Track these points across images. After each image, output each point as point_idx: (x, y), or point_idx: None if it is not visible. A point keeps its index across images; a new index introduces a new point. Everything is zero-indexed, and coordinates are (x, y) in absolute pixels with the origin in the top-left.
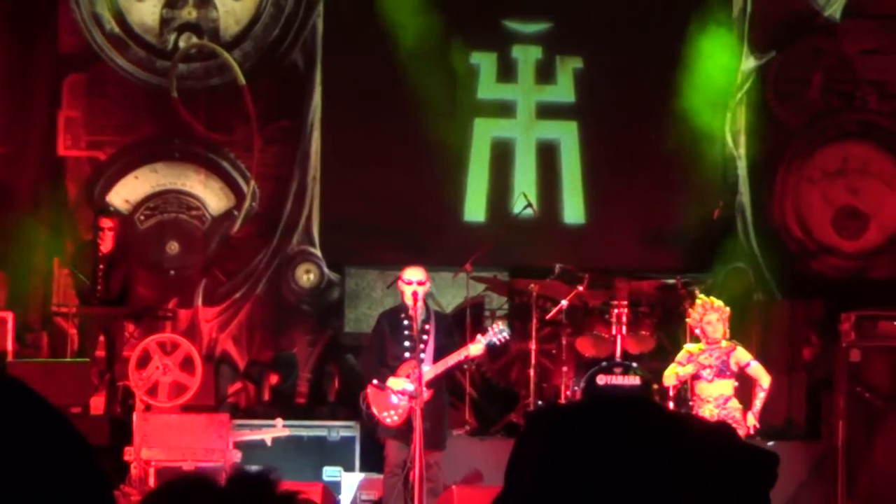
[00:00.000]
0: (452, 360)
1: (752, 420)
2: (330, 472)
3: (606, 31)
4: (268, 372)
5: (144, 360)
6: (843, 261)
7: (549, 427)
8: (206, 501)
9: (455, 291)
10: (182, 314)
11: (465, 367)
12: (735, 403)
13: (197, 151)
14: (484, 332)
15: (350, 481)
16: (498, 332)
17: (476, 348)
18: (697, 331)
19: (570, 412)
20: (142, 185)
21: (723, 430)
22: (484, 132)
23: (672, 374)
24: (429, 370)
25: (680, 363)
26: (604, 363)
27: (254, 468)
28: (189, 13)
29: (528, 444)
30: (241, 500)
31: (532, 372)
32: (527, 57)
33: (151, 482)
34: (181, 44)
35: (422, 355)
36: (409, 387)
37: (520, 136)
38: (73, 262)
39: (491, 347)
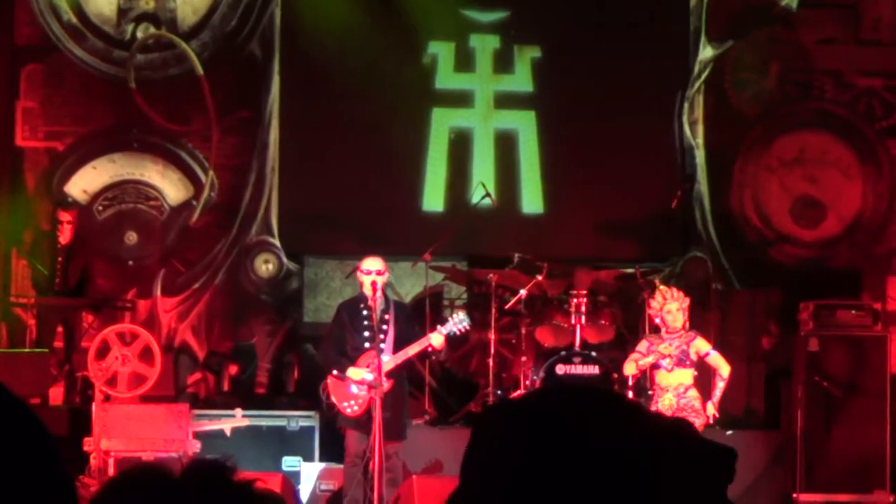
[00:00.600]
0: (412, 350)
1: (711, 409)
2: (289, 462)
3: (564, 19)
4: (227, 362)
5: (103, 351)
6: (802, 250)
7: (505, 417)
8: (163, 490)
9: (414, 281)
10: (141, 305)
11: (425, 356)
12: (694, 393)
13: (155, 142)
14: (444, 321)
15: (309, 471)
16: (458, 321)
17: (436, 338)
18: (657, 320)
19: (526, 402)
20: (100, 176)
21: (681, 424)
22: (442, 122)
23: (632, 364)
24: (388, 360)
25: (639, 353)
26: (563, 353)
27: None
28: (147, 3)
29: (483, 435)
30: (197, 488)
31: (491, 362)
32: (484, 46)
33: (111, 472)
34: (139, 34)
35: (381, 345)
36: (369, 377)
37: (478, 126)
38: (32, 252)
39: (451, 337)
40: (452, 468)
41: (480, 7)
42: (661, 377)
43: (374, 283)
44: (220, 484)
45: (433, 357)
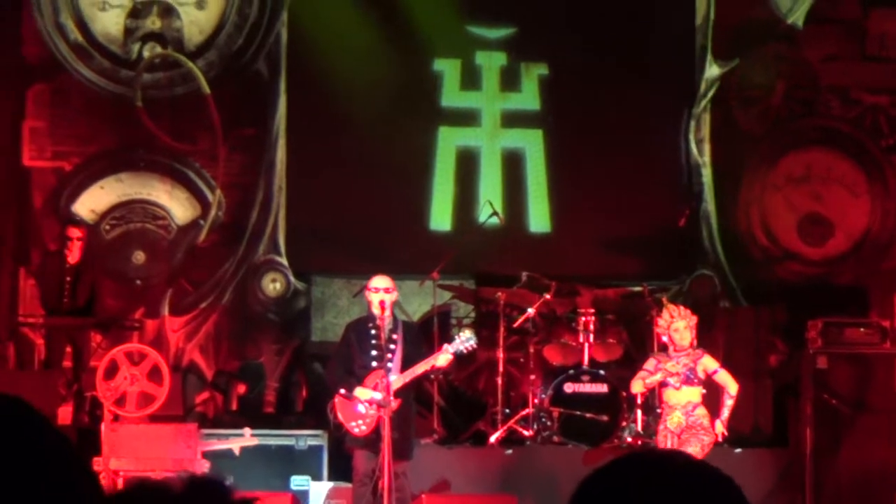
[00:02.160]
0: (420, 369)
1: (720, 428)
2: (298, 482)
3: (571, 36)
4: (235, 381)
5: (112, 371)
6: (809, 267)
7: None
8: None
9: (421, 299)
10: (149, 324)
11: (433, 376)
12: (703, 411)
13: (162, 161)
14: (450, 341)
15: (318, 490)
16: (465, 340)
17: (443, 358)
18: (665, 338)
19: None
20: (107, 196)
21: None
22: (449, 141)
23: (639, 382)
24: (396, 379)
25: (647, 371)
26: (571, 371)
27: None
28: (153, 23)
29: None
30: None
31: (500, 380)
32: (491, 63)
33: None
34: (145, 53)
35: (389, 365)
36: (377, 396)
37: (485, 145)
38: (40, 272)
39: (458, 356)
40: (460, 487)
41: (486, 23)
42: (670, 395)
43: (382, 302)
44: (221, 501)
45: (439, 376)
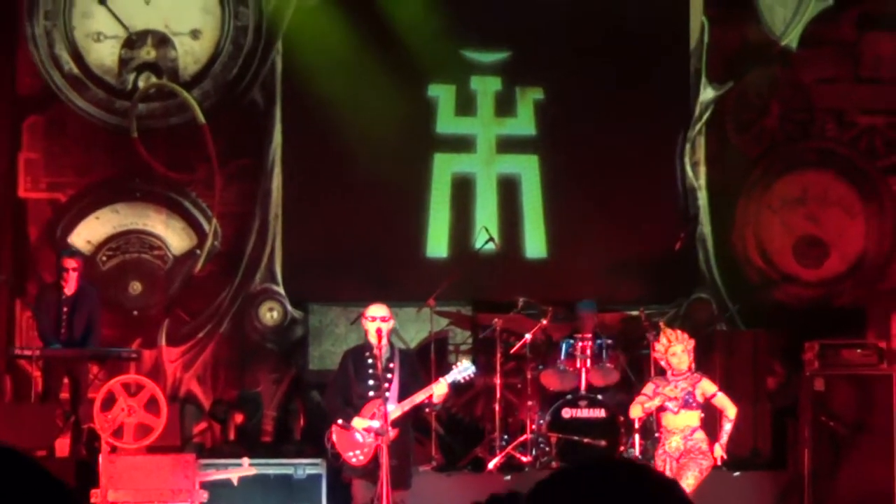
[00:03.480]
0: (418, 398)
1: (718, 451)
2: None
3: (566, 60)
4: (233, 411)
5: (109, 402)
6: (805, 289)
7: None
8: None
9: (419, 326)
10: (146, 354)
11: (428, 406)
12: (701, 435)
13: (158, 191)
14: (448, 370)
15: None
16: (463, 369)
17: (440, 388)
18: (662, 362)
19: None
20: (103, 226)
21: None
22: (444, 167)
23: (638, 407)
24: (394, 409)
25: (645, 395)
26: (569, 396)
27: None
28: (148, 53)
29: None
30: None
31: (497, 406)
32: (486, 88)
33: None
34: (140, 84)
35: (387, 394)
36: (375, 425)
37: (480, 171)
38: (36, 304)
39: (456, 386)
40: None
41: (481, 48)
42: (668, 420)
43: (378, 330)
44: None
45: (432, 409)
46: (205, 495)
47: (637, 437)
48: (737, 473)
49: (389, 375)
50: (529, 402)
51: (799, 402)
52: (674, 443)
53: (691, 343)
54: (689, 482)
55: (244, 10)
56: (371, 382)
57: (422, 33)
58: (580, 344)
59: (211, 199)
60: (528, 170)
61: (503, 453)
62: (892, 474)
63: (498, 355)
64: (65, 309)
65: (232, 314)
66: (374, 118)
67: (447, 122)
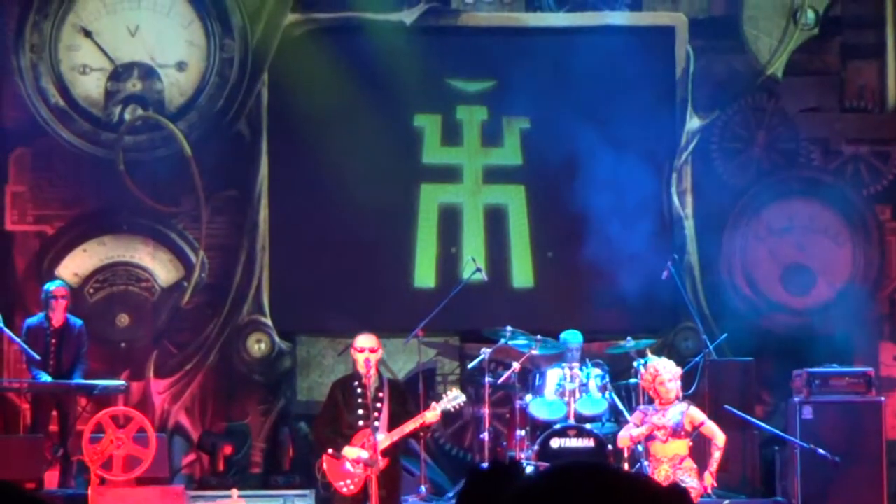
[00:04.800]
0: (408, 427)
1: (708, 480)
2: None
3: (553, 89)
4: (221, 442)
5: (98, 434)
6: (793, 317)
7: (510, 497)
8: None
9: (406, 357)
10: (134, 387)
11: (421, 433)
12: (690, 463)
13: (145, 223)
14: (438, 398)
15: None
16: (453, 398)
17: (432, 416)
18: (650, 392)
19: (530, 481)
20: (90, 259)
21: (676, 491)
22: (431, 198)
23: (626, 436)
24: (384, 438)
25: (634, 424)
26: (557, 426)
27: None
28: (134, 85)
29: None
30: None
31: (486, 436)
32: (472, 118)
33: None
34: (126, 116)
35: (376, 423)
36: (364, 455)
37: (466, 202)
38: (24, 337)
39: (445, 413)
40: None
41: (466, 77)
42: (657, 448)
43: (367, 361)
44: None
45: (427, 433)
46: None
47: (626, 465)
48: (726, 502)
49: (379, 405)
50: (518, 432)
51: (787, 431)
52: (663, 471)
53: (679, 372)
54: None
55: (230, 42)
56: (360, 412)
57: (407, 63)
58: (568, 373)
59: (198, 231)
60: (514, 200)
61: None
62: (882, 501)
63: (486, 385)
64: (53, 341)
65: (220, 346)
66: (360, 148)
67: (433, 153)
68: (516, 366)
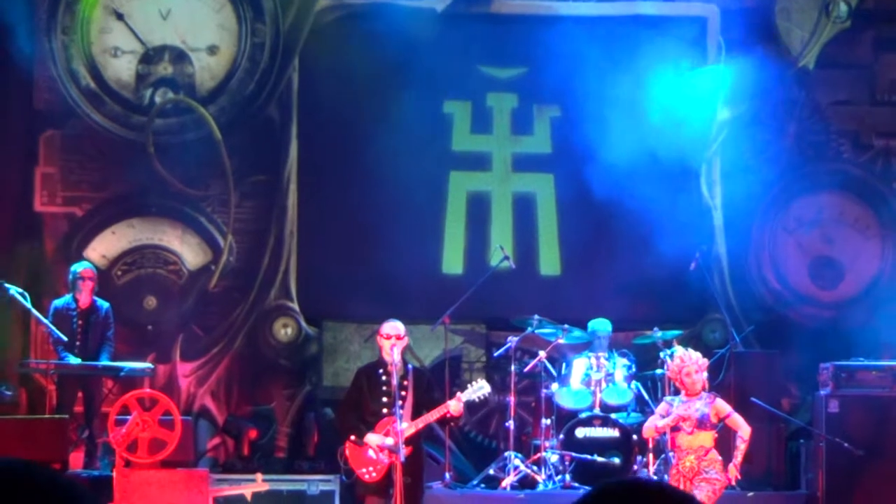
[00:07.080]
0: (432, 416)
1: (733, 472)
2: None
3: (584, 77)
4: (246, 426)
5: (123, 416)
6: (820, 310)
7: None
8: None
9: (433, 344)
10: (160, 369)
11: (444, 423)
12: (715, 455)
13: (174, 206)
14: (463, 387)
15: None
16: (478, 389)
17: (455, 406)
18: (676, 382)
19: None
20: (119, 241)
21: None
22: (460, 185)
23: (651, 427)
24: (407, 426)
25: (659, 415)
26: (583, 415)
27: None
28: (165, 68)
29: None
30: None
31: (511, 424)
32: (502, 106)
33: None
34: (157, 99)
35: (400, 411)
36: (388, 442)
37: (495, 190)
38: (51, 319)
39: (469, 404)
40: None
41: (497, 64)
42: (682, 439)
43: (393, 348)
44: None
45: (452, 424)
46: None
47: (651, 456)
48: (750, 494)
49: (403, 393)
50: (543, 421)
51: (813, 424)
52: (688, 463)
53: (705, 363)
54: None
55: (261, 26)
56: (385, 400)
57: (438, 50)
58: (594, 363)
59: (226, 214)
60: (543, 188)
61: (517, 471)
62: None
63: (512, 373)
64: (79, 322)
65: (246, 330)
66: (389, 135)
67: (463, 140)
68: (542, 354)
